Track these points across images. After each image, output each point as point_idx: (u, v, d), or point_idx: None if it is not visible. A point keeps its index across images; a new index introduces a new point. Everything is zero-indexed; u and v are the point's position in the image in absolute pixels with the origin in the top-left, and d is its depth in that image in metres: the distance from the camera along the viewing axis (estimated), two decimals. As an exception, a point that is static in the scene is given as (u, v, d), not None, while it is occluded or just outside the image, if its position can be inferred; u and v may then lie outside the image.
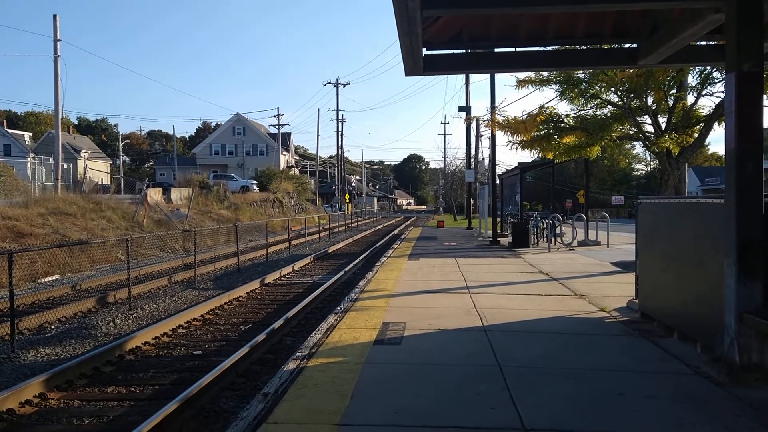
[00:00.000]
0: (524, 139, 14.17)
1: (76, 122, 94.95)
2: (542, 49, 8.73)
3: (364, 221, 61.67)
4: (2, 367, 8.03)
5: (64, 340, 9.50)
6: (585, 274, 13.37)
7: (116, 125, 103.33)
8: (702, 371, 5.68)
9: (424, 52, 8.37)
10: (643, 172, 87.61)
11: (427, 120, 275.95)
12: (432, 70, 8.67)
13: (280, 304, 12.56)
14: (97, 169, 60.02)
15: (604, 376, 5.62)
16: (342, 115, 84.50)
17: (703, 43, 8.26)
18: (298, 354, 6.48)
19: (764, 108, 5.92)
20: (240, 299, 13.04)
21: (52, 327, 10.47)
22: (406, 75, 8.54)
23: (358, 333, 7.42)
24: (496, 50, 8.83)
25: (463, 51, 9.09)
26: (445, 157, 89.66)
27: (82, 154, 65.63)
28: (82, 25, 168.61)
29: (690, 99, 13.67)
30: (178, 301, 13.01)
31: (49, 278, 16.13)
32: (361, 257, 21.68)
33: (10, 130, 68.11)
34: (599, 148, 14.46)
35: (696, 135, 13.36)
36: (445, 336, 7.32)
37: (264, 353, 8.44)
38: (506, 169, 35.73)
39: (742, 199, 5.49)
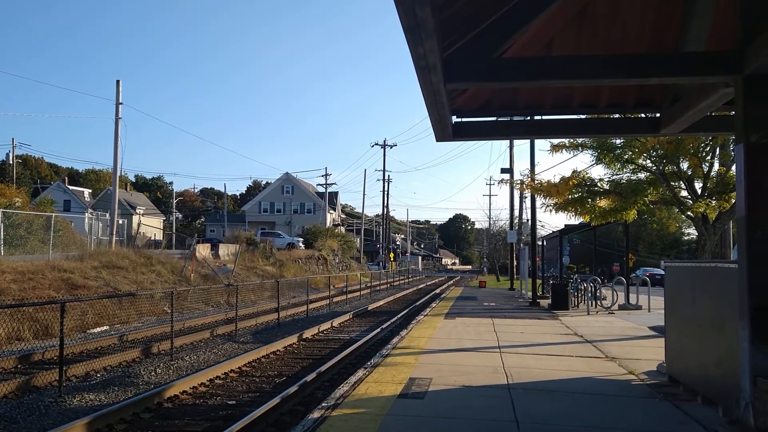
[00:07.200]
0: (557, 201, 14.46)
1: (133, 179, 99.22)
2: (569, 117, 9.11)
3: (407, 279, 61.73)
4: (50, 410, 8.55)
5: (107, 387, 9.99)
6: (620, 337, 13.30)
7: (171, 183, 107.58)
8: (718, 434, 5.73)
9: (455, 119, 8.87)
10: (694, 236, 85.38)
11: (473, 180, 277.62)
12: (461, 137, 9.14)
13: (315, 358, 12.86)
14: (151, 225, 62.36)
15: (619, 436, 5.72)
16: (388, 176, 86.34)
17: (720, 113, 8.50)
18: (323, 404, 6.78)
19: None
20: (277, 353, 13.40)
21: (98, 375, 11.01)
22: (437, 141, 9.03)
23: (384, 387, 7.67)
24: (524, 118, 9.26)
25: (493, 118, 9.55)
26: (490, 218, 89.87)
27: (137, 211, 68.36)
28: (143, 88, 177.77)
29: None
30: (218, 354, 13.45)
31: (99, 329, 16.85)
32: (399, 315, 21.85)
33: (71, 187, 71.92)
34: (635, 212, 14.54)
35: (733, 201, 13.35)
36: (469, 392, 7.51)
37: (295, 404, 8.72)
38: (552, 231, 35.72)
39: (754, 266, 5.65)
